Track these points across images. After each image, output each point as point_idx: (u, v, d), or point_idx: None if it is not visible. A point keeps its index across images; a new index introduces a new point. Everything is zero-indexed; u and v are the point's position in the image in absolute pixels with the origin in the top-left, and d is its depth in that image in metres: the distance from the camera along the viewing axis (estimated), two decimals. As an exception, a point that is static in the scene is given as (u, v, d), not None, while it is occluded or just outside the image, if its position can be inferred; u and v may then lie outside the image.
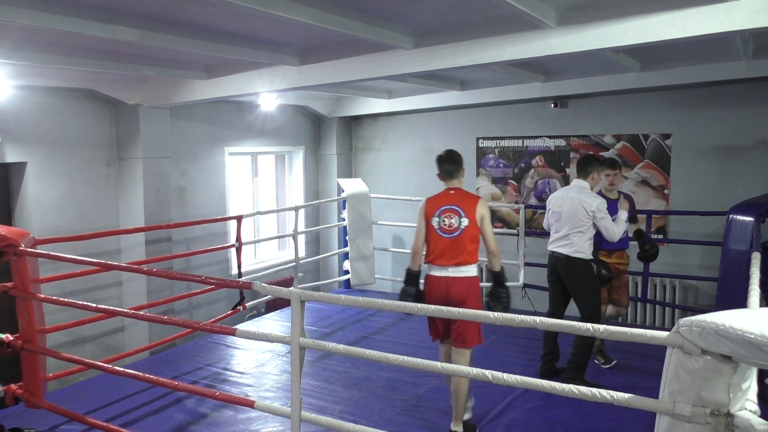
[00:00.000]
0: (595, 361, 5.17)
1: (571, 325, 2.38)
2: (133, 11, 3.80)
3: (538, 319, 2.45)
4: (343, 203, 7.71)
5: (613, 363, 5.13)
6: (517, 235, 6.89)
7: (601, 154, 7.30)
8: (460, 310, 2.61)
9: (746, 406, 1.99)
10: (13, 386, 4.03)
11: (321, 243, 9.13)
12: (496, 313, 2.50)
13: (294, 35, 4.59)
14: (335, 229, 8.38)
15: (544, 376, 4.85)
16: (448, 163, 4.04)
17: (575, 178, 4.82)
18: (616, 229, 4.67)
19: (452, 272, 3.94)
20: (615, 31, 3.73)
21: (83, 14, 3.67)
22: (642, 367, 5.07)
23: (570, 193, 4.74)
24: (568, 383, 4.14)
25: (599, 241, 4.84)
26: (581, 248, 4.65)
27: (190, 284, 6.29)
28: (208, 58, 5.34)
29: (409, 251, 8.42)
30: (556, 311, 4.87)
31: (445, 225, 3.95)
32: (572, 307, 4.94)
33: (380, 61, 4.78)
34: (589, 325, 2.31)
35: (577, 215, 4.61)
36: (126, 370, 3.93)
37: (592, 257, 4.70)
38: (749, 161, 6.59)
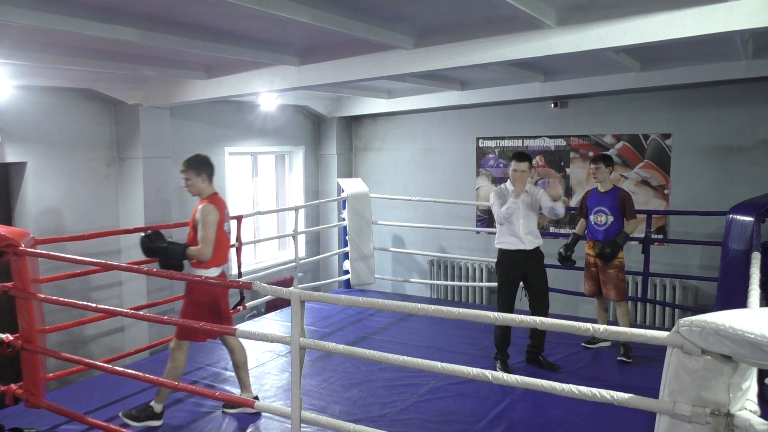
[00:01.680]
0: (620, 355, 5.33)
1: (571, 324, 2.38)
2: (133, 11, 3.80)
3: (538, 319, 2.45)
4: (343, 203, 7.71)
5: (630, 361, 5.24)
6: (517, 235, 6.89)
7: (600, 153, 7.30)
8: (459, 310, 2.60)
9: (746, 406, 1.99)
10: (13, 386, 4.03)
11: (321, 243, 9.14)
12: (495, 314, 2.50)
13: (294, 35, 4.59)
14: (335, 229, 8.38)
15: (527, 361, 5.27)
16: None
17: None
18: (496, 210, 4.94)
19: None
20: (615, 31, 3.74)
21: (83, 14, 3.67)
22: (642, 367, 5.07)
23: None
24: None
25: (588, 229, 5.46)
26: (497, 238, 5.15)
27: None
28: (208, 58, 5.34)
29: (409, 251, 8.48)
30: (531, 304, 5.27)
31: (229, 229, 4.26)
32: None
33: (380, 61, 4.78)
34: (589, 325, 2.31)
35: None
36: (126, 370, 3.93)
37: (502, 247, 5.07)
38: (749, 161, 6.59)
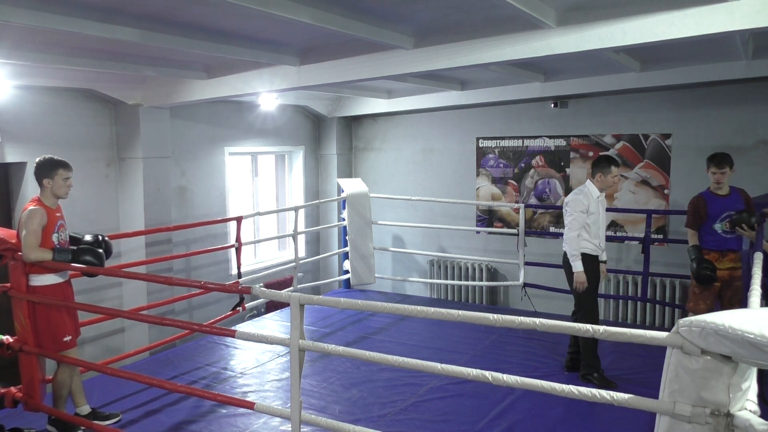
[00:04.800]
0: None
1: (571, 326, 2.38)
2: (133, 11, 3.80)
3: (537, 320, 2.44)
4: (343, 203, 7.71)
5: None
6: (517, 235, 6.90)
7: (601, 153, 7.30)
8: (460, 312, 2.60)
9: (746, 406, 1.99)
10: (12, 389, 4.02)
11: (321, 243, 9.14)
12: (495, 315, 2.50)
13: (294, 35, 4.59)
14: (335, 229, 8.38)
15: (566, 369, 5.04)
16: None
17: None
18: (573, 233, 4.68)
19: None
20: (615, 31, 3.73)
21: (83, 14, 3.67)
22: (642, 367, 5.07)
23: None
24: (584, 382, 4.24)
25: (705, 239, 4.81)
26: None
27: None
28: (208, 58, 5.34)
29: (409, 251, 8.48)
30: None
31: (62, 239, 3.99)
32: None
33: (380, 61, 4.77)
34: (588, 326, 2.30)
35: (564, 212, 4.89)
36: (125, 371, 3.93)
37: (586, 252, 4.76)
38: (749, 161, 6.58)
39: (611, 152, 7.25)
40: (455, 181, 8.35)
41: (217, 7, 3.62)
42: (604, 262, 5.01)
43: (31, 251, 3.78)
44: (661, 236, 7.05)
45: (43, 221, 3.83)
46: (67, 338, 3.95)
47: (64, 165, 3.90)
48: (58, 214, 3.97)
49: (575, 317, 4.98)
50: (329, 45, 4.88)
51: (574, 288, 4.80)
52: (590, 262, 4.79)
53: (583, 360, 4.84)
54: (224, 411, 4.29)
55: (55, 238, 3.90)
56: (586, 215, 4.73)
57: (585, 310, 4.83)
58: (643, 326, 6.87)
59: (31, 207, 3.85)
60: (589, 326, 2.30)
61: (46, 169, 3.87)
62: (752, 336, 1.79)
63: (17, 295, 3.90)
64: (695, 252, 4.75)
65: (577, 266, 4.71)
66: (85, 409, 4.08)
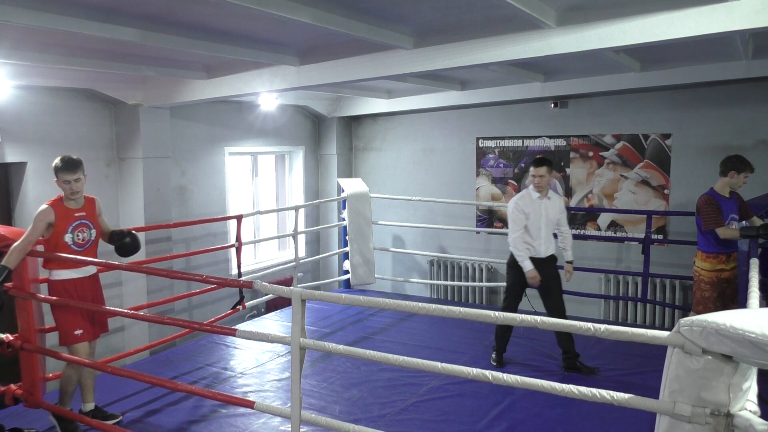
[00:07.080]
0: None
1: (570, 324, 2.38)
2: (133, 11, 3.80)
3: (539, 318, 2.45)
4: (343, 203, 7.71)
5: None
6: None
7: (601, 154, 7.31)
8: (461, 309, 2.60)
9: (746, 407, 1.99)
10: (12, 386, 4.03)
11: (321, 243, 9.14)
12: (496, 313, 2.50)
13: (294, 35, 4.59)
14: (335, 229, 8.38)
15: (565, 369, 5.06)
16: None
17: None
18: (513, 234, 4.91)
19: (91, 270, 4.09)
20: (615, 31, 3.74)
21: (83, 14, 3.67)
22: (642, 367, 5.07)
23: None
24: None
25: (715, 241, 4.78)
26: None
27: (190, 284, 6.29)
28: (208, 58, 5.34)
29: (409, 251, 8.47)
30: (546, 307, 5.11)
31: (79, 240, 3.95)
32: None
33: (380, 61, 4.78)
34: (589, 325, 2.30)
35: None
36: (125, 370, 3.93)
37: (525, 253, 4.90)
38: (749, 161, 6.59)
39: (611, 152, 7.26)
40: (455, 181, 8.35)
41: (217, 7, 3.62)
42: (570, 262, 5.22)
43: (14, 248, 3.79)
44: (661, 236, 7.05)
45: (49, 219, 3.81)
46: (78, 332, 3.93)
47: (62, 168, 3.83)
48: (78, 214, 3.92)
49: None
50: (329, 45, 4.88)
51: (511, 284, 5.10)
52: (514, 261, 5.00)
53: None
54: (224, 411, 4.29)
55: (68, 238, 3.87)
56: (524, 216, 4.90)
57: (506, 302, 5.11)
58: (643, 326, 6.87)
59: (42, 206, 3.86)
60: (590, 325, 2.30)
61: (54, 171, 3.88)
62: (754, 335, 1.80)
63: (19, 294, 3.91)
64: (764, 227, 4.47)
65: (526, 266, 4.88)
66: (89, 406, 4.09)
